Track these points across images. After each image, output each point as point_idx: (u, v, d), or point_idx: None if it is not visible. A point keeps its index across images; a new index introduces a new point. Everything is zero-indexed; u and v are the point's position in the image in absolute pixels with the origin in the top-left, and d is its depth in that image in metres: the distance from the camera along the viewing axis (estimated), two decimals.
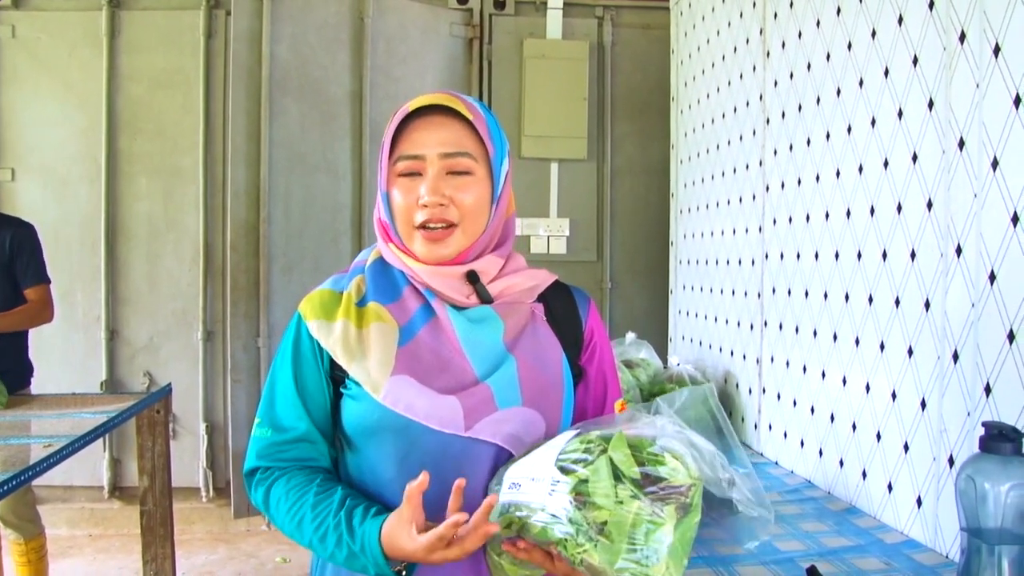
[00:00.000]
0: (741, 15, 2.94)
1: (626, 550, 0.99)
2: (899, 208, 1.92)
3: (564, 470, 1.04)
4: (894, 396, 1.95)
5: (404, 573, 1.11)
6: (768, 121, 2.70)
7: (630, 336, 3.30)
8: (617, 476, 1.02)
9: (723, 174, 3.13)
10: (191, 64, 4.39)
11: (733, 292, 3.02)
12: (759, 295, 2.76)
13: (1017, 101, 1.54)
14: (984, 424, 1.34)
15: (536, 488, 1.04)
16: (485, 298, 1.23)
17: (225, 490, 4.38)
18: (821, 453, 2.33)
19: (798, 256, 2.47)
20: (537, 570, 1.09)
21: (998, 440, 1.31)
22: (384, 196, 1.23)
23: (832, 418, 2.27)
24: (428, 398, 1.15)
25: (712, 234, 3.26)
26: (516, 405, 1.18)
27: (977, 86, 1.64)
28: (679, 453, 1.05)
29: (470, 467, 1.15)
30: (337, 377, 1.21)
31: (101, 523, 4.44)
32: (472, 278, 1.22)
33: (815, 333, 2.36)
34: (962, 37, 1.69)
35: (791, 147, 2.52)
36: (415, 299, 1.22)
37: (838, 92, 2.23)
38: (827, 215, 2.29)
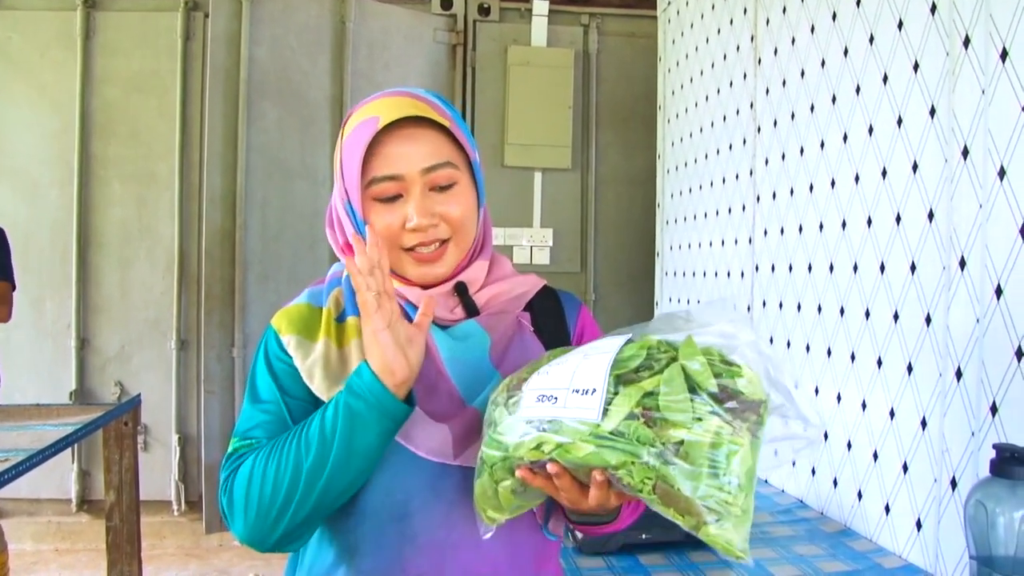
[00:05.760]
0: (731, 22, 2.88)
1: (707, 474, 0.82)
2: (898, 219, 1.85)
3: (623, 379, 0.87)
4: (892, 414, 1.88)
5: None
6: (759, 130, 2.63)
7: None
8: (691, 388, 0.85)
9: (712, 184, 3.06)
10: (168, 67, 4.29)
11: None
12: (749, 308, 2.69)
13: None
14: (995, 446, 1.26)
15: (583, 402, 0.86)
16: (471, 310, 1.15)
17: (197, 504, 4.26)
18: (814, 472, 2.26)
19: (790, 268, 2.40)
20: (536, 500, 0.99)
21: (1010, 463, 1.23)
22: (353, 215, 1.10)
23: (826, 436, 2.19)
24: (417, 426, 1.06)
25: (700, 245, 3.19)
26: None
27: (983, 92, 1.57)
28: (749, 364, 0.89)
29: (458, 494, 1.07)
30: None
31: (68, 537, 4.32)
32: (460, 290, 1.14)
33: (808, 348, 2.29)
34: (966, 42, 1.62)
35: (783, 156, 2.45)
36: None
37: (833, 100, 2.17)
38: (821, 226, 2.22)
